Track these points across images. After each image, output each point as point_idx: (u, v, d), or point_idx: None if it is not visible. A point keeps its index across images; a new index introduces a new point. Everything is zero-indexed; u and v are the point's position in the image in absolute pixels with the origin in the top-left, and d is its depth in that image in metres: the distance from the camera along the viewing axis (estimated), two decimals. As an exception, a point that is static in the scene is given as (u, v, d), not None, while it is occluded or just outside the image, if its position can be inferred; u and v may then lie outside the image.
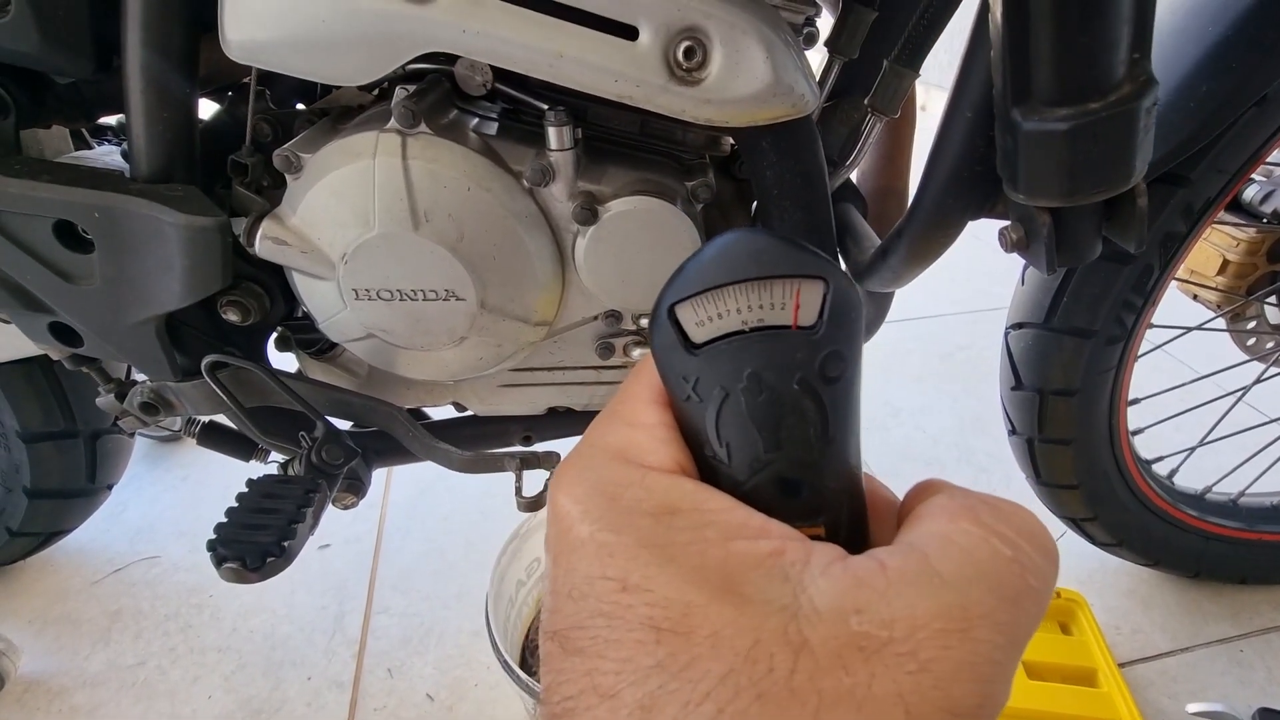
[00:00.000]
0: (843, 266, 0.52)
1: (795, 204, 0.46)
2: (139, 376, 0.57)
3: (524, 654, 0.77)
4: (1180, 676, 0.83)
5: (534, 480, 0.52)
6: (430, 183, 0.42)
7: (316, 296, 0.48)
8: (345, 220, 0.44)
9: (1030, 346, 0.72)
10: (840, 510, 0.18)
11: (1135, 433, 0.80)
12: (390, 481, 1.13)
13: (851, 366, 0.18)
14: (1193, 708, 0.74)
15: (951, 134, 0.34)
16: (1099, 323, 0.66)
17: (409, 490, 1.12)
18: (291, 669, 0.85)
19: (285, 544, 0.45)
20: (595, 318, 0.53)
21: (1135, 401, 0.77)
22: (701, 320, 0.17)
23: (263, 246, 0.45)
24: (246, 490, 0.48)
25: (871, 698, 0.14)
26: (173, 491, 1.13)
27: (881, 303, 0.59)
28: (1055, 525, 0.93)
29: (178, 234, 0.44)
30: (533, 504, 0.50)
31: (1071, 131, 0.27)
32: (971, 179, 0.35)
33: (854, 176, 0.63)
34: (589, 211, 0.44)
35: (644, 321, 0.52)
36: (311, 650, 0.88)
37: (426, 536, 1.03)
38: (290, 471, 0.53)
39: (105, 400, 0.57)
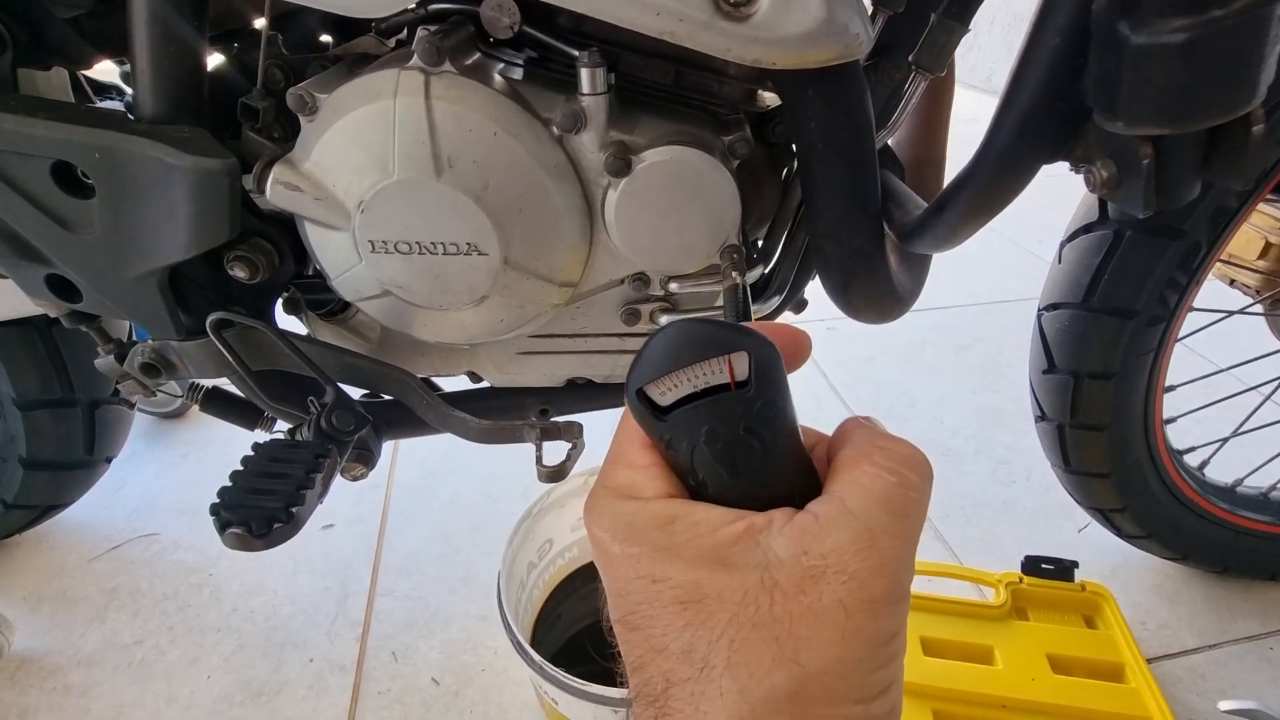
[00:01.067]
0: (887, 233, 0.49)
1: (841, 159, 0.43)
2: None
3: (534, 640, 0.74)
4: (1208, 674, 0.81)
5: (555, 451, 0.49)
6: (454, 125, 0.40)
7: (330, 249, 0.45)
8: (363, 165, 0.41)
9: (1066, 328, 0.69)
10: (794, 490, 0.23)
11: (1168, 421, 0.77)
12: (395, 463, 1.11)
13: (782, 405, 0.23)
14: (1225, 706, 0.72)
15: (1033, 63, 0.31)
16: (1141, 302, 0.64)
17: (414, 472, 1.09)
18: (293, 650, 0.83)
19: (293, 510, 0.42)
20: (621, 281, 0.50)
21: (1172, 388, 0.75)
22: (664, 391, 0.23)
23: (274, 193, 0.42)
24: (252, 454, 0.45)
25: (821, 606, 0.20)
26: (173, 469, 1.11)
27: (918, 272, 0.57)
28: (1080, 517, 0.91)
29: (183, 177, 0.41)
30: (554, 474, 0.48)
31: (1189, 44, 0.24)
32: (1051, 116, 0.32)
33: (890, 144, 0.60)
34: (622, 161, 0.42)
35: (673, 286, 0.50)
36: (314, 632, 0.85)
37: (432, 520, 1.01)
38: (298, 437, 0.51)
39: (104, 361, 0.54)
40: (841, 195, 0.44)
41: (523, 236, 0.43)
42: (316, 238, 0.45)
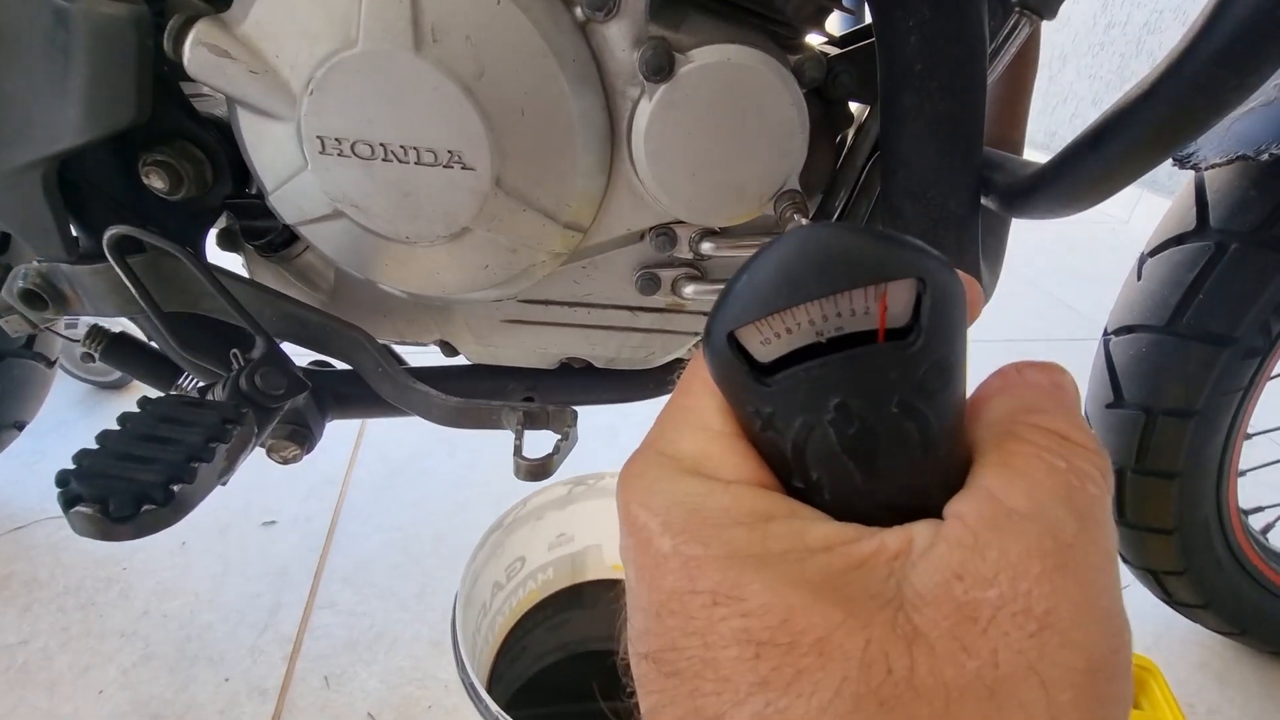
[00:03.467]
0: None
1: (945, 89, 0.33)
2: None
3: (493, 674, 0.62)
4: (1268, 770, 0.70)
5: (539, 442, 0.38)
6: (445, -16, 0.30)
7: (267, 148, 0.34)
8: (316, 29, 0.30)
9: (1144, 355, 0.59)
10: (947, 496, 0.15)
11: (1241, 474, 0.68)
12: (356, 459, 0.99)
13: (958, 371, 0.15)
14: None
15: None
16: (1241, 329, 0.54)
17: (376, 470, 0.97)
18: (207, 666, 0.70)
19: (175, 488, 0.31)
20: (642, 235, 0.40)
21: (1251, 436, 0.65)
22: (768, 338, 0.14)
23: (194, 58, 0.31)
24: (137, 411, 0.34)
25: (1001, 678, 0.12)
26: (101, 445, 0.98)
27: (994, 263, 0.47)
28: (1122, 575, 0.81)
29: (76, 25, 0.31)
30: (536, 470, 0.37)
31: None
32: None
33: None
34: (663, 58, 0.32)
35: (706, 246, 0.40)
36: (235, 646, 0.72)
37: (391, 524, 0.89)
38: (210, 398, 0.39)
39: (-20, 287, 0.43)
40: (940, 139, 0.34)
41: (523, 150, 0.33)
42: (250, 130, 0.34)
